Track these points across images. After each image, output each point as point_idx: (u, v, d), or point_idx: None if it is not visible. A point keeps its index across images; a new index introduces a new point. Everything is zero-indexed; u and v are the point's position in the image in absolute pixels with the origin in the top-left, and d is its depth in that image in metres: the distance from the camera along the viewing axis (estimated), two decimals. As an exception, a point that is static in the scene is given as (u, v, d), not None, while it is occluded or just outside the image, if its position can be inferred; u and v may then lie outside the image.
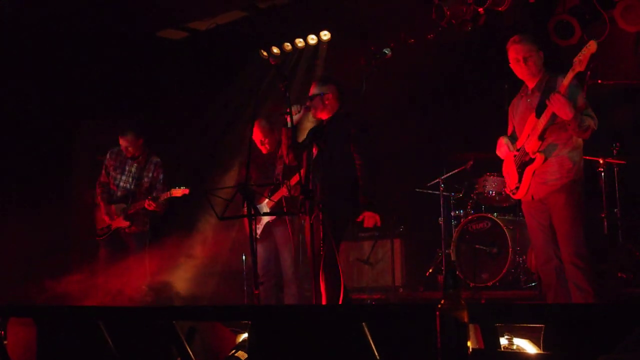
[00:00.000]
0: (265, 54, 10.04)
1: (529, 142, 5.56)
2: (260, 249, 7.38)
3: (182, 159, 9.83)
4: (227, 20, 9.81)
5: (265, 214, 7.25)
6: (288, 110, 6.11)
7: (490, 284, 7.87)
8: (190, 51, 10.35)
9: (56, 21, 9.00)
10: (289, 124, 6.19)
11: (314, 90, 6.33)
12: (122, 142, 8.15)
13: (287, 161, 6.48)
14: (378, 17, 9.06)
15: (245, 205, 5.97)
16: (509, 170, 5.83)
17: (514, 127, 5.92)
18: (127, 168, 8.24)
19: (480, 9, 8.28)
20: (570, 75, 5.33)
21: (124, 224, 8.12)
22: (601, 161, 7.59)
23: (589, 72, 7.04)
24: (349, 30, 9.50)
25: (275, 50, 10.09)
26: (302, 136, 6.72)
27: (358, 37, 9.31)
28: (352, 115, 6.29)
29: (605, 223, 7.58)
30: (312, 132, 6.36)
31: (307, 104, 6.27)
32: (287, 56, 10.14)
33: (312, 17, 9.61)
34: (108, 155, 8.31)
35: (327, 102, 6.29)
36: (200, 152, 10.24)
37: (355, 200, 6.08)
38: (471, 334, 2.96)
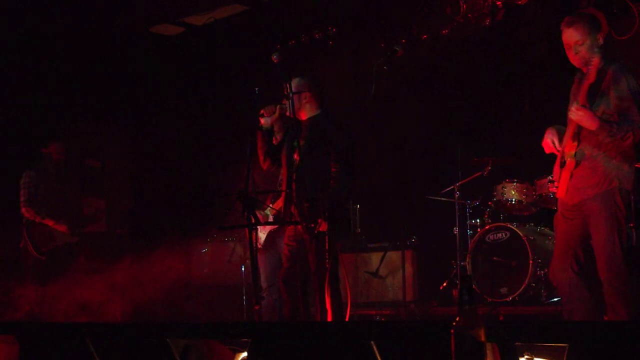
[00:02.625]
0: (267, 50, 10.04)
1: (567, 143, 5.44)
2: (262, 260, 7.39)
3: (177, 159, 9.86)
4: (226, 14, 9.82)
5: (267, 223, 7.25)
6: (262, 112, 6.18)
7: (509, 299, 7.86)
8: (186, 48, 10.37)
9: (44, 18, 9.02)
10: (264, 127, 6.26)
11: (292, 88, 6.34)
12: (59, 148, 8.30)
13: (264, 167, 6.51)
14: (388, 12, 9.07)
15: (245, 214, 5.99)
16: (556, 164, 5.69)
17: None
18: (52, 183, 8.41)
19: (499, 2, 8.29)
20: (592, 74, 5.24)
21: (73, 239, 8.29)
22: (630, 166, 7.57)
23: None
24: (357, 26, 9.50)
25: (278, 46, 10.09)
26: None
27: (367, 33, 9.32)
28: (333, 118, 6.32)
29: (634, 234, 7.56)
30: (290, 134, 6.36)
31: (284, 102, 6.27)
32: (291, 53, 10.14)
33: (318, 12, 9.61)
34: (31, 173, 8.35)
35: (304, 102, 6.32)
36: (196, 153, 10.26)
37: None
38: (488, 353, 2.95)
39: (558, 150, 5.57)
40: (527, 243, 7.85)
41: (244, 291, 8.21)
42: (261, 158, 6.44)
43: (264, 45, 9.88)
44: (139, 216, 8.92)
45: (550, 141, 5.60)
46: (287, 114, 6.32)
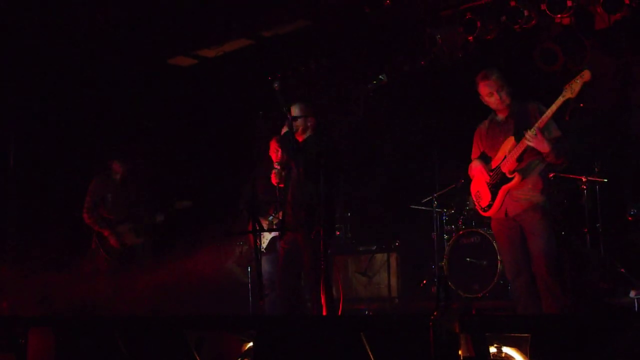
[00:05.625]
0: (269, 79, 10.05)
1: (506, 163, 5.60)
2: (265, 262, 7.39)
3: (190, 181, 9.84)
4: (233, 47, 9.86)
5: (268, 229, 7.26)
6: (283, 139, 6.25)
7: (480, 294, 7.87)
8: (199, 77, 10.39)
9: (71, 49, 9.04)
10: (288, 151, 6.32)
11: (298, 112, 6.37)
12: (118, 167, 8.18)
13: (279, 184, 6.57)
14: (375, 45, 9.11)
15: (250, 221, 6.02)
16: (480, 189, 5.86)
17: (482, 151, 5.94)
18: (118, 191, 8.23)
19: (470, 38, 8.34)
20: (559, 102, 5.34)
21: (138, 240, 8.16)
22: (584, 179, 7.63)
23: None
24: (348, 58, 9.54)
25: (279, 75, 10.10)
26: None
27: (357, 64, 9.35)
28: (322, 137, 6.35)
29: (588, 237, 7.60)
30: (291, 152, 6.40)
31: (288, 119, 6.31)
32: (290, 81, 10.15)
33: (313, 45, 9.65)
34: (96, 182, 8.21)
35: (308, 124, 6.37)
36: (208, 169, 10.25)
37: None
38: (462, 343, 2.97)
39: (490, 175, 5.70)
40: (495, 246, 7.84)
41: (249, 289, 8.19)
42: (276, 180, 6.52)
43: (266, 75, 9.92)
44: (161, 226, 8.86)
45: (482, 166, 5.83)
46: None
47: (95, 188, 8.19)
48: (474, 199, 5.99)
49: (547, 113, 5.38)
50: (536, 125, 5.39)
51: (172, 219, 8.49)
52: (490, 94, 5.69)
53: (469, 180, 8.31)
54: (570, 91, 5.30)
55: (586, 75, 5.27)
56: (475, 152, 6.03)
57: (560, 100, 5.34)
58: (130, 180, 8.34)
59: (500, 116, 5.79)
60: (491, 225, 5.97)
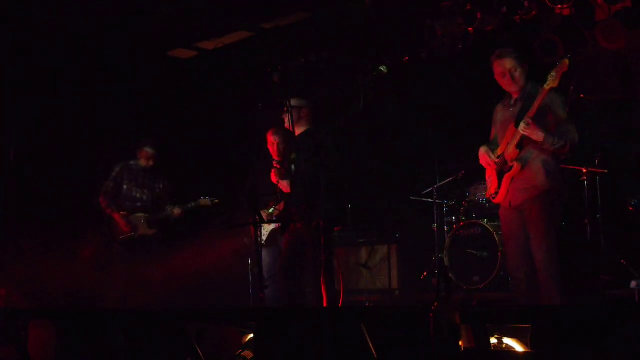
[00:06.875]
0: (269, 71, 10.02)
1: (508, 151, 5.55)
2: (265, 255, 7.39)
3: (193, 173, 9.84)
4: (233, 40, 9.85)
5: (269, 221, 7.26)
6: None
7: (481, 286, 7.86)
8: (198, 69, 10.38)
9: (71, 42, 9.03)
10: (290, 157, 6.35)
11: (293, 102, 6.37)
12: (148, 154, 8.20)
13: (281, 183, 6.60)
14: (374, 37, 9.10)
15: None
16: (491, 174, 5.80)
17: (495, 133, 5.89)
18: (140, 180, 8.26)
19: (470, 29, 8.33)
20: (544, 91, 5.32)
21: (150, 231, 8.16)
22: (584, 170, 7.63)
23: (572, 87, 7.06)
24: (348, 49, 9.52)
25: (279, 67, 10.07)
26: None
27: (357, 55, 9.34)
28: (325, 129, 6.34)
29: (589, 229, 7.60)
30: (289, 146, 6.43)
31: (284, 111, 6.30)
32: (290, 73, 10.13)
33: (313, 37, 9.64)
34: (119, 168, 8.26)
35: (302, 116, 6.36)
36: (210, 167, 10.24)
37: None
38: (463, 333, 2.97)
39: (495, 162, 5.67)
40: (496, 237, 7.85)
41: (250, 281, 8.19)
42: (276, 178, 6.57)
43: (266, 67, 9.89)
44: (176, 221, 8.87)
45: (486, 154, 5.76)
46: (286, 126, 6.37)
47: (116, 174, 8.22)
48: (487, 185, 5.94)
49: (534, 103, 5.35)
50: (528, 114, 5.35)
51: (192, 215, 8.48)
52: (503, 74, 5.61)
53: (469, 172, 8.39)
54: (552, 81, 5.30)
55: (564, 64, 5.28)
56: (492, 134, 5.97)
57: (545, 90, 5.32)
58: (154, 171, 8.35)
59: (513, 98, 5.71)
60: (499, 213, 5.92)
